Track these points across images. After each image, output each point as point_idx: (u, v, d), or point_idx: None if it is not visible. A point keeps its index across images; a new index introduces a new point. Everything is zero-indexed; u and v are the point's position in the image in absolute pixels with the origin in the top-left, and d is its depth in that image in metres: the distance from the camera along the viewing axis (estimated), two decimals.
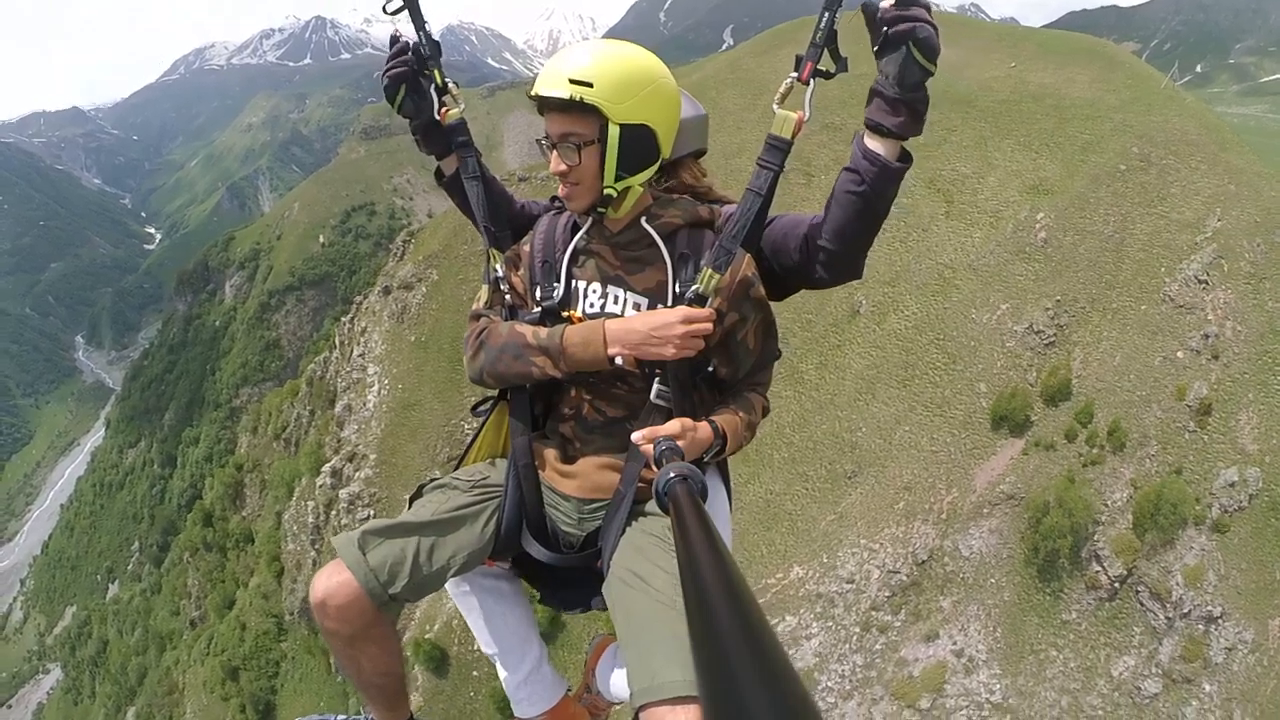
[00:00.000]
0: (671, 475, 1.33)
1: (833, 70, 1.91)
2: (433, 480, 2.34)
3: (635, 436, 1.86)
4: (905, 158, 1.94)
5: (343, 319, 61.01)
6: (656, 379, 2.08)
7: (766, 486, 22.30)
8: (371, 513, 36.46)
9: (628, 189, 2.09)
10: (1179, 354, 25.47)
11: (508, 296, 2.29)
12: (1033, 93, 34.80)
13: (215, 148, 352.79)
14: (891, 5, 1.73)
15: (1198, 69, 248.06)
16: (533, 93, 2.00)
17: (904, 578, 25.05)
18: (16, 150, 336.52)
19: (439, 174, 2.52)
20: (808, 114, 1.93)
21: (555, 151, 2.03)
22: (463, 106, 2.40)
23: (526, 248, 2.31)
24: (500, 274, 2.31)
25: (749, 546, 26.12)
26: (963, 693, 23.26)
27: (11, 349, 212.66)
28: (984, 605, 24.36)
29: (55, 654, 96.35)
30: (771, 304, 2.23)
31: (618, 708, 2.60)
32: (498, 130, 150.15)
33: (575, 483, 2.23)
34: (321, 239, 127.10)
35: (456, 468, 2.45)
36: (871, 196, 1.94)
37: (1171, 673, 22.48)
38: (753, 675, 0.57)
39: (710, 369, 2.17)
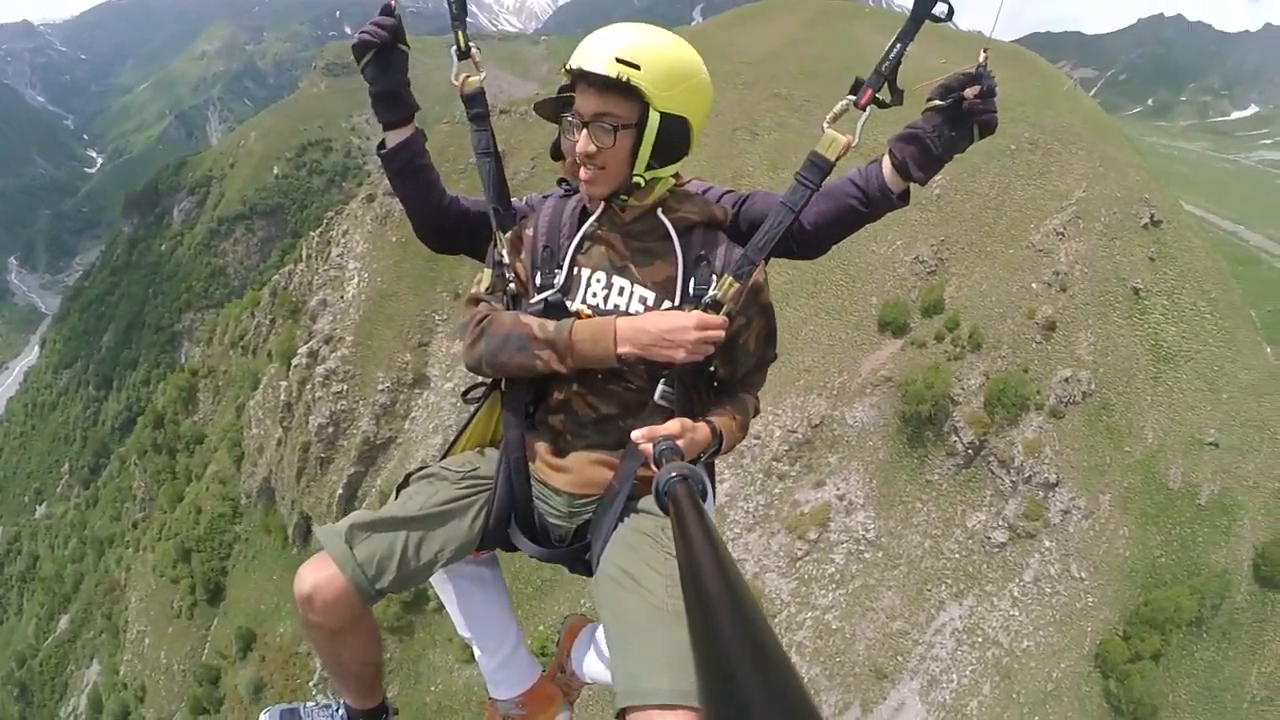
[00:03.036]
0: (672, 475, 1.34)
1: (888, 101, 1.97)
2: (421, 470, 2.30)
3: (635, 435, 1.85)
4: (905, 197, 2.05)
5: (312, 232, 61.10)
6: (662, 380, 2.05)
7: None
8: (345, 388, 39.65)
9: (655, 180, 2.06)
10: (1033, 285, 31.36)
11: (511, 284, 2.22)
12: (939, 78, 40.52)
13: (166, 74, 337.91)
14: (976, 97, 1.85)
15: (1149, 102, 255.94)
16: (573, 66, 1.95)
17: (800, 437, 30.44)
18: None
19: (381, 145, 2.38)
20: (857, 140, 1.94)
21: (586, 130, 1.96)
22: (484, 75, 2.30)
23: (529, 231, 2.23)
24: (505, 259, 2.24)
25: None
26: (843, 529, 28.88)
27: None
28: (863, 462, 29.93)
29: None
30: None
31: (590, 687, 2.76)
32: (441, 80, 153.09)
33: (567, 477, 2.19)
34: (276, 170, 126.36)
35: (444, 455, 2.42)
36: (868, 219, 2.11)
37: (1016, 528, 28.27)
38: (754, 677, 0.57)
39: (710, 370, 2.16)
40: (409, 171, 2.40)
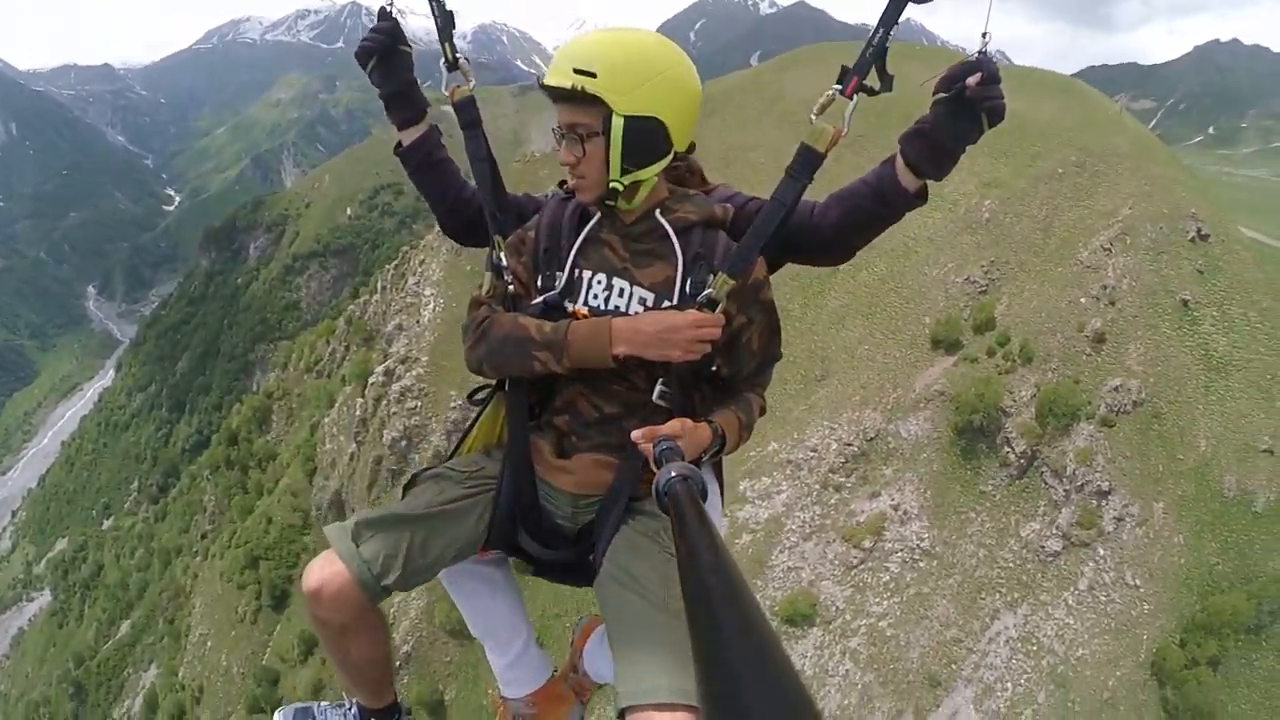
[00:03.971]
0: (672, 475, 1.35)
1: (877, 88, 1.95)
2: (427, 470, 2.34)
3: (635, 435, 1.86)
4: (923, 194, 2.06)
5: (387, 265, 64.06)
6: (660, 379, 2.07)
7: None
8: (419, 404, 41.52)
9: (638, 182, 2.06)
10: (1082, 300, 32.07)
11: (511, 286, 2.24)
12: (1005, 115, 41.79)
13: (243, 119, 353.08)
14: (977, 83, 1.82)
15: (1210, 130, 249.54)
16: (540, 82, 1.99)
17: (856, 449, 31.42)
18: (46, 99, 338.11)
19: (398, 145, 2.52)
20: (846, 129, 1.96)
21: (565, 141, 2.02)
22: (473, 84, 2.41)
23: (531, 233, 2.26)
24: (504, 262, 2.27)
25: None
26: (898, 538, 29.56)
27: (24, 290, 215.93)
28: (917, 474, 30.65)
29: (45, 580, 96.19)
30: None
31: (601, 687, 2.74)
32: (526, 128, 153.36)
33: (570, 478, 2.21)
34: (349, 211, 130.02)
35: (451, 456, 2.45)
36: (886, 219, 2.11)
37: (1070, 536, 28.64)
38: (754, 677, 0.57)
39: (713, 369, 2.18)
40: (426, 166, 2.52)
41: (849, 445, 31.47)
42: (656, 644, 1.73)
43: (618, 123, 1.93)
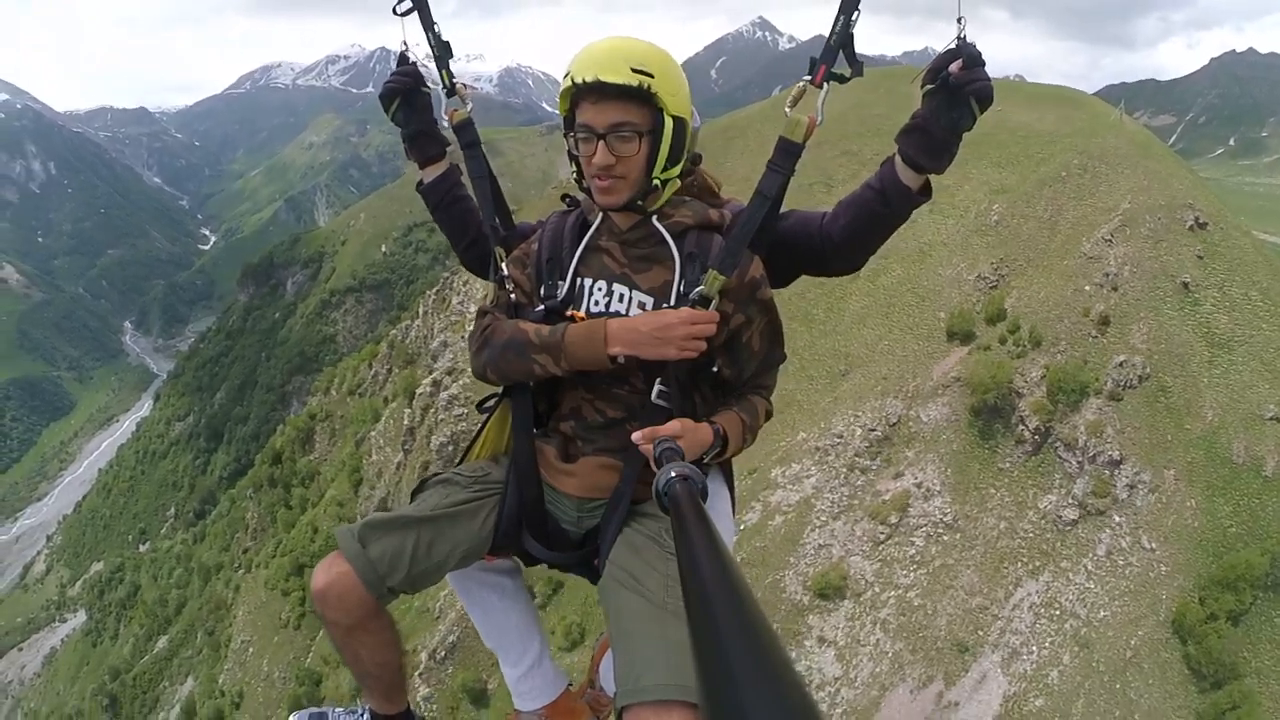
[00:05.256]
0: (672, 475, 1.37)
1: (847, 75, 2.01)
2: (435, 475, 2.38)
3: (635, 436, 1.89)
4: (926, 189, 2.10)
5: (428, 291, 65.54)
6: (658, 379, 2.10)
7: (781, 386, 32.12)
8: (466, 411, 43.15)
9: (666, 182, 2.13)
10: (1086, 288, 33.65)
11: (513, 295, 2.32)
12: (1010, 127, 43.25)
13: (276, 161, 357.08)
14: (960, 69, 1.87)
15: (1231, 142, 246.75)
16: (588, 78, 1.97)
17: (879, 434, 33.05)
18: (85, 140, 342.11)
19: (420, 183, 2.65)
20: (820, 118, 2.03)
21: (602, 142, 2.02)
22: (470, 107, 2.51)
23: (534, 246, 2.33)
24: (506, 273, 2.35)
25: (767, 428, 35.26)
26: (922, 514, 31.03)
27: (63, 324, 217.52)
28: (938, 454, 32.14)
29: (80, 601, 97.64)
30: (779, 295, 2.28)
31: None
32: (554, 166, 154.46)
33: (575, 481, 2.25)
34: (384, 248, 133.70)
35: (459, 463, 2.49)
36: (893, 220, 2.15)
37: (1086, 505, 29.94)
38: (753, 676, 0.58)
39: (715, 370, 2.19)
40: (446, 204, 2.60)
41: (873, 431, 33.10)
42: (656, 643, 1.72)
43: (669, 121, 2.02)
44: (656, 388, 2.10)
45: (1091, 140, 40.86)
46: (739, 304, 2.12)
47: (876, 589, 30.16)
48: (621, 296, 2.17)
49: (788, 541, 31.59)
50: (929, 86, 1.96)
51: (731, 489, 2.47)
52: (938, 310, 36.50)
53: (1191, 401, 31.44)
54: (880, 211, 2.15)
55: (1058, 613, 28.56)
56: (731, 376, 2.23)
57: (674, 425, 1.92)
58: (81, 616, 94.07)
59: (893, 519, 31.05)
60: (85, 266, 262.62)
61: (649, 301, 2.14)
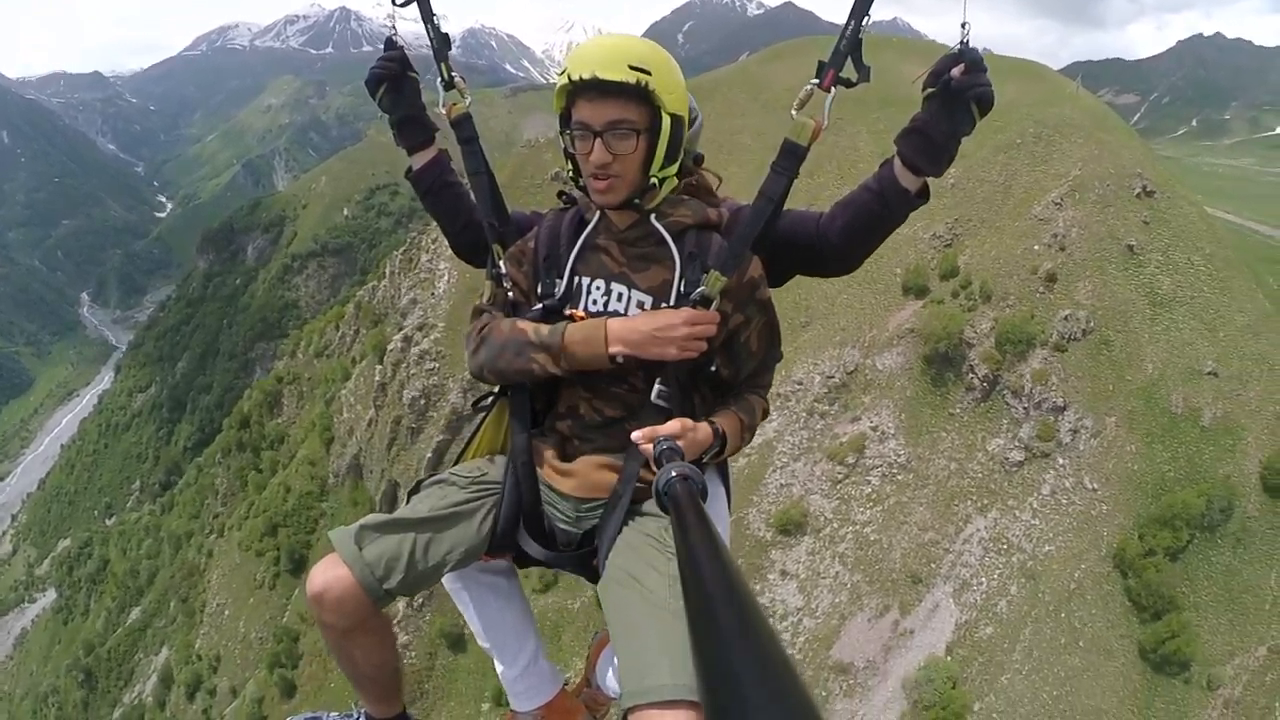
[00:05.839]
0: (672, 475, 1.37)
1: (855, 80, 1.98)
2: (432, 476, 2.35)
3: (635, 436, 1.88)
4: (924, 192, 2.09)
5: (394, 252, 64.05)
6: (658, 379, 2.08)
7: None
8: (437, 366, 44.00)
9: (663, 180, 2.11)
10: (1035, 247, 35.32)
11: (510, 293, 2.30)
12: None
13: (234, 125, 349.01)
14: (962, 73, 1.86)
15: (1194, 123, 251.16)
16: (585, 75, 1.94)
17: (837, 381, 34.79)
18: (38, 107, 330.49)
19: (409, 170, 2.59)
20: (826, 122, 2.00)
21: (599, 140, 2.00)
22: (469, 101, 2.46)
23: (531, 244, 2.31)
24: (503, 270, 2.32)
25: None
26: (878, 455, 32.88)
27: (19, 298, 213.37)
28: (893, 400, 33.94)
29: (49, 579, 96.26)
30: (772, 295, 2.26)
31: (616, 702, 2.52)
32: (518, 129, 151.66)
33: (573, 481, 2.23)
34: (346, 211, 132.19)
35: (456, 463, 2.45)
36: (891, 222, 2.15)
37: (1031, 448, 31.82)
38: (753, 674, 0.58)
39: (713, 369, 2.17)
40: (436, 190, 2.58)
41: (831, 378, 34.79)
42: (658, 643, 1.70)
43: (667, 119, 2.00)
44: (656, 387, 2.09)
45: (1048, 110, 42.18)
46: (738, 304, 2.11)
47: (835, 525, 31.93)
48: (620, 295, 2.16)
49: (751, 481, 33.05)
50: (930, 90, 1.97)
51: (728, 489, 2.46)
52: (894, 266, 37.87)
53: (1133, 355, 33.14)
54: (878, 213, 2.15)
55: (1005, 547, 30.40)
56: (730, 376, 2.22)
57: (674, 425, 1.90)
58: (51, 595, 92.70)
59: (850, 460, 32.71)
60: (40, 238, 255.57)
61: (648, 301, 2.13)
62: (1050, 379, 32.47)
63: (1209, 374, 32.50)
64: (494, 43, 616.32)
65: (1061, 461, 31.54)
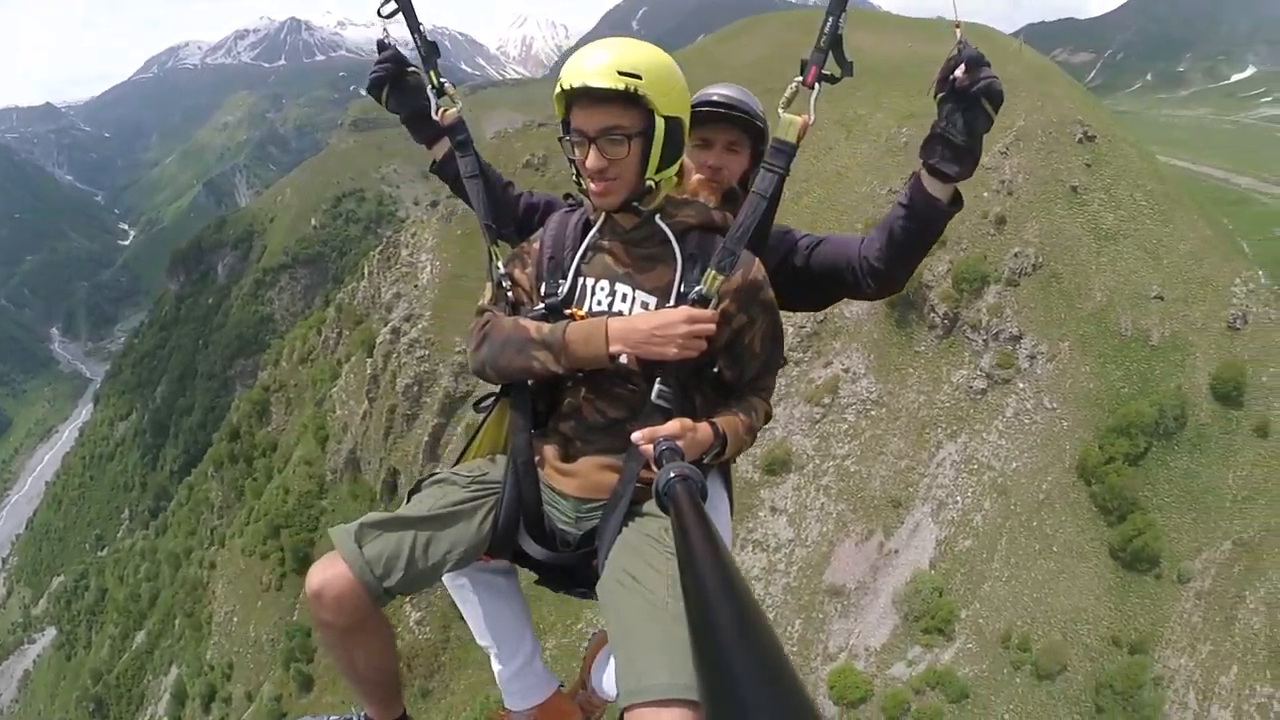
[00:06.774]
0: (672, 475, 1.36)
1: (838, 75, 2.02)
2: (432, 475, 2.34)
3: (635, 436, 1.88)
4: (957, 200, 2.10)
5: (372, 252, 65.75)
6: (658, 379, 2.07)
7: None
8: (427, 353, 45.32)
9: (661, 182, 2.11)
10: (985, 194, 37.31)
11: (510, 293, 2.30)
12: (919, 60, 46.66)
13: (192, 145, 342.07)
14: (964, 73, 1.90)
15: (1148, 76, 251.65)
16: (575, 84, 1.97)
17: (808, 330, 36.79)
18: None
19: (433, 163, 2.65)
20: (812, 118, 2.03)
21: (594, 146, 2.01)
22: (460, 106, 2.51)
23: (535, 245, 2.31)
24: (503, 271, 2.33)
25: None
26: (851, 394, 35.13)
27: None
28: (861, 343, 36.16)
29: (48, 617, 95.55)
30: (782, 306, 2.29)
31: (611, 705, 2.62)
32: (477, 125, 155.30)
33: (574, 482, 2.22)
34: (314, 221, 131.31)
35: (457, 463, 2.44)
36: (929, 234, 2.17)
37: (993, 376, 34.03)
38: (752, 675, 0.58)
39: (715, 370, 2.17)
40: (457, 181, 2.61)
41: (803, 327, 36.71)
42: (656, 643, 1.69)
43: (660, 122, 2.01)
44: (657, 387, 2.07)
45: (995, 70, 44.65)
46: (742, 305, 2.10)
47: (817, 461, 34.13)
48: (624, 296, 2.15)
49: None
50: (940, 95, 2.01)
51: (730, 490, 2.46)
52: (855, 223, 39.57)
53: (1081, 285, 35.34)
54: (913, 227, 2.18)
55: (976, 467, 32.62)
56: (732, 378, 2.22)
57: (674, 425, 1.90)
58: (51, 633, 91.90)
59: (826, 401, 34.99)
60: (4, 276, 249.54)
61: (652, 301, 2.12)
62: (1005, 312, 34.70)
63: (1155, 298, 34.59)
64: (448, 42, 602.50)
65: (1022, 386, 33.75)
